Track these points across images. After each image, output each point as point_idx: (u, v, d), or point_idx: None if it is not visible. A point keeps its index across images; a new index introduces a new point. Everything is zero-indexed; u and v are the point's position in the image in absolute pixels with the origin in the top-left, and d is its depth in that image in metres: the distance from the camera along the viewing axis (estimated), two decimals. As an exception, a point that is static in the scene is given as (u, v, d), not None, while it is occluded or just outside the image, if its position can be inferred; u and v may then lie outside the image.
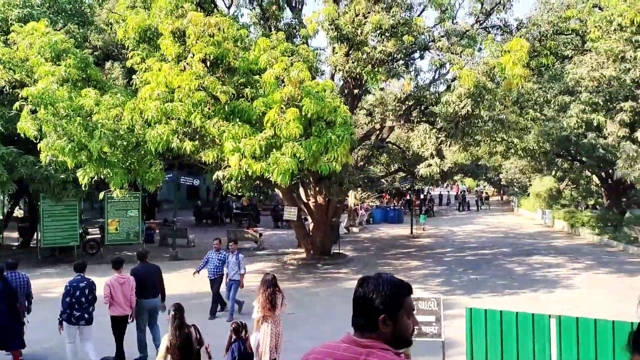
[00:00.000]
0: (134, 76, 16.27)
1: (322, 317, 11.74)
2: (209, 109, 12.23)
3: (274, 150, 11.87)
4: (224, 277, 12.35)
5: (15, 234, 23.20)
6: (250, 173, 12.72)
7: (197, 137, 13.95)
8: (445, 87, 16.01)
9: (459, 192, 56.40)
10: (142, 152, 14.12)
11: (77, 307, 8.35)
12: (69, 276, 16.47)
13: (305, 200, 19.77)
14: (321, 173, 12.55)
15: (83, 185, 13.86)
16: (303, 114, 11.93)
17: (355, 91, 17.38)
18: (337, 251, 20.41)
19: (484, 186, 66.61)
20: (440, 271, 17.29)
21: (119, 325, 8.99)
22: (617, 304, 12.71)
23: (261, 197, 44.43)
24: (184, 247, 21.67)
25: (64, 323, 8.42)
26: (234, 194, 47.78)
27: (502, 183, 58.50)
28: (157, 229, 25.64)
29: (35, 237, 20.77)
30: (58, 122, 12.79)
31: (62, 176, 17.02)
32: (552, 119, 19.14)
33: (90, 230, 21.03)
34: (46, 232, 18.11)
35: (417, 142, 14.92)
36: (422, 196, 47.90)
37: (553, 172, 34.58)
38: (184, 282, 15.55)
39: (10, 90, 16.59)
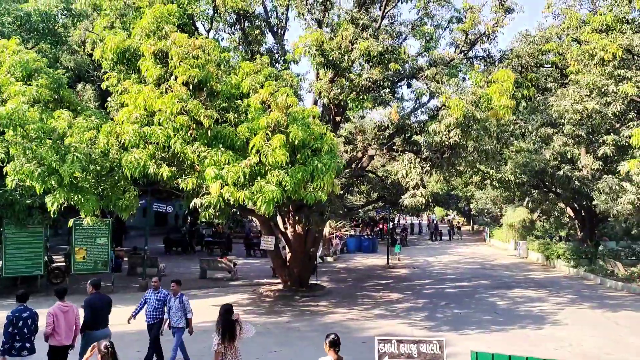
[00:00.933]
0: (109, 98, 15.66)
1: (308, 357, 11.10)
2: (191, 133, 11.69)
3: (258, 178, 11.37)
4: (164, 322, 10.58)
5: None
6: (231, 201, 12.17)
7: (176, 162, 13.37)
8: (427, 116, 15.86)
9: (430, 222, 56.50)
10: (116, 177, 13.46)
11: (18, 338, 8.16)
12: (35, 307, 15.48)
13: (283, 229, 19.20)
14: (306, 202, 12.07)
15: (52, 212, 13.04)
16: (290, 140, 11.52)
17: (337, 118, 17.09)
18: (315, 282, 19.81)
19: (454, 216, 67.12)
20: (422, 304, 16.86)
21: (57, 356, 8.69)
22: (610, 343, 12.46)
23: (231, 225, 43.63)
24: (154, 276, 20.68)
25: (6, 356, 8.13)
26: (205, 221, 46.86)
27: (472, 213, 59.06)
28: (125, 257, 24.57)
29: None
30: (27, 145, 12.04)
31: (27, 201, 16.13)
32: (535, 151, 19.18)
33: (55, 258, 19.93)
34: (8, 260, 17.00)
35: (402, 172, 14.62)
36: (391, 225, 47.78)
37: (525, 203, 34.91)
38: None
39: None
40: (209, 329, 13.37)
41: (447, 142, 13.35)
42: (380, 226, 46.90)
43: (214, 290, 19.15)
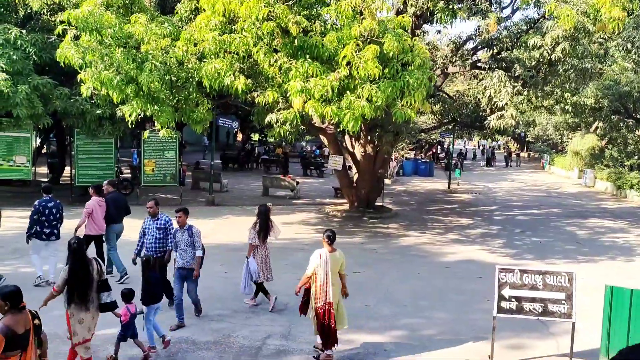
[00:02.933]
0: (178, 5, 14.91)
1: (393, 278, 10.81)
2: (277, 42, 10.90)
3: (347, 92, 10.63)
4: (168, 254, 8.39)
5: (45, 170, 22.35)
6: (314, 117, 11.57)
7: (253, 74, 12.72)
8: (522, 29, 14.41)
9: (487, 147, 54.81)
10: (190, 89, 12.97)
11: (47, 224, 9.36)
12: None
13: (351, 149, 18.63)
14: (395, 120, 11.33)
15: (129, 122, 12.77)
16: (383, 52, 10.61)
17: (417, 32, 15.87)
18: (381, 204, 19.42)
19: (505, 142, 64.79)
20: (497, 231, 16.29)
21: (91, 242, 9.81)
22: None
23: (285, 143, 43.40)
24: (217, 192, 20.76)
25: (34, 239, 9.35)
26: (262, 140, 46.71)
27: (527, 140, 56.85)
28: (187, 172, 24.69)
29: (66, 173, 19.93)
30: (105, 52, 11.58)
31: (98, 112, 15.90)
32: (633, 71, 17.53)
33: (123, 170, 20.11)
34: (80, 169, 17.16)
35: (489, 91, 13.56)
36: (441, 149, 46.62)
37: (593, 129, 33.03)
38: (223, 231, 14.66)
39: (48, 14, 15.29)
40: (288, 245, 13.32)
41: (547, 59, 12.14)
42: (434, 150, 45.83)
43: (279, 208, 19.01)
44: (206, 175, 22.18)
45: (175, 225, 8.03)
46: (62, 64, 12.09)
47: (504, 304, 6.66)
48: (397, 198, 22.95)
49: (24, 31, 14.57)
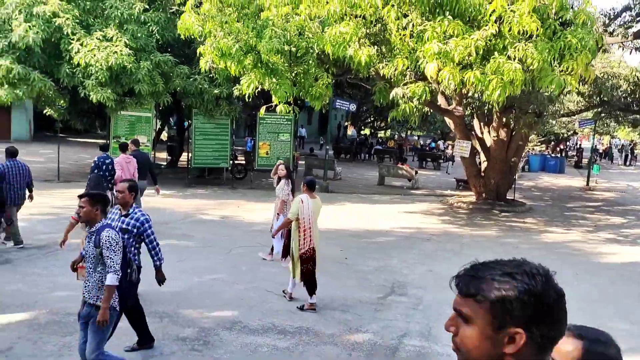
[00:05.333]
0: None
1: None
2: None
3: (495, 54, 9.02)
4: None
5: (164, 154, 22.77)
6: (452, 86, 10.05)
7: (379, 41, 11.48)
8: None
9: (625, 145, 49.25)
10: (310, 61, 12.00)
11: (109, 178, 10.11)
12: (219, 199, 15.20)
13: (480, 134, 16.76)
14: (550, 91, 9.53)
15: (246, 96, 12.08)
16: (538, 8, 8.87)
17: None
18: (512, 197, 17.33)
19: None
20: (661, 232, 13.69)
21: None
22: None
23: (395, 136, 41.78)
24: (331, 180, 19.78)
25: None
26: (372, 132, 45.45)
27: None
28: (299, 159, 24.03)
29: (184, 157, 20.03)
30: (225, 19, 10.93)
31: (215, 91, 15.51)
32: None
33: (238, 155, 19.81)
34: (197, 151, 16.95)
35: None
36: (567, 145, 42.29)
37: None
38: (340, 217, 13.54)
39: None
40: (414, 235, 11.95)
41: None
42: (562, 146, 41.86)
43: (398, 198, 17.66)
44: (320, 162, 21.34)
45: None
46: (182, 37, 11.67)
47: None
48: (527, 193, 20.58)
49: (148, 7, 14.45)
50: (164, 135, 28.98)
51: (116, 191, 5.33)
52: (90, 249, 4.33)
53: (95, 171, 10.02)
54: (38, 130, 29.48)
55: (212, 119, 16.67)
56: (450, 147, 30.41)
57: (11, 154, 8.91)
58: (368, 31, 10.98)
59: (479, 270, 1.27)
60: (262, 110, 13.17)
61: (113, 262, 4.26)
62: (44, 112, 16.59)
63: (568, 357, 1.60)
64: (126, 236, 5.00)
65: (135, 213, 5.21)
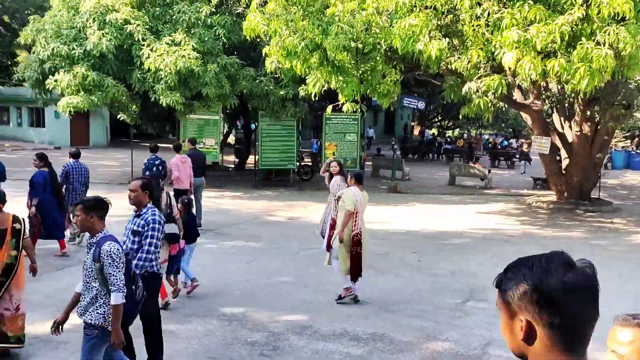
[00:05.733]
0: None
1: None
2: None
3: (582, 39, 8.29)
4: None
5: (232, 157, 23.04)
6: (533, 77, 9.35)
7: (451, 33, 10.92)
8: None
9: None
10: (377, 57, 11.61)
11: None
12: (286, 200, 15.08)
13: (560, 129, 15.72)
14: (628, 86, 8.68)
15: (312, 96, 11.89)
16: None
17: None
18: (597, 196, 16.14)
19: None
20: None
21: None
22: None
23: (464, 135, 40.44)
24: (399, 180, 19.25)
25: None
26: (439, 132, 44.33)
27: None
28: (367, 160, 23.62)
29: (251, 159, 20.14)
30: (290, 17, 10.75)
31: (281, 92, 15.42)
32: None
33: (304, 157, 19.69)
34: (264, 153, 16.94)
35: None
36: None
37: None
38: (411, 218, 13.02)
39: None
40: (490, 236, 11.28)
41: None
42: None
43: (470, 198, 16.89)
44: (387, 163, 20.86)
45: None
46: (248, 37, 11.60)
47: None
48: (612, 191, 19.15)
49: (215, 10, 14.57)
50: (231, 139, 29.45)
51: (129, 190, 4.78)
52: (88, 261, 3.90)
53: (147, 173, 10.18)
54: (114, 136, 30.77)
55: (278, 120, 16.62)
56: (523, 145, 29.02)
57: (74, 155, 9.20)
58: (439, 23, 10.45)
59: (512, 264, 1.35)
60: (329, 109, 12.89)
61: (116, 279, 3.77)
62: (118, 117, 17.12)
63: (630, 346, 1.65)
64: (137, 239, 4.58)
65: (147, 213, 4.65)
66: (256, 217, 12.40)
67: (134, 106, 15.45)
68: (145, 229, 4.58)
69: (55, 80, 13.74)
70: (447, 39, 10.64)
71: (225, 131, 21.50)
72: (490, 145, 33.32)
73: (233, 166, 21.79)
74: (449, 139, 36.40)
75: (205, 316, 6.11)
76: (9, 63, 31.92)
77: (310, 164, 20.66)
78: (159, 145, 11.78)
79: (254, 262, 8.59)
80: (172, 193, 6.84)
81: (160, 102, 13.82)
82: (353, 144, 17.25)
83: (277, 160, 17.17)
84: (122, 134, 30.24)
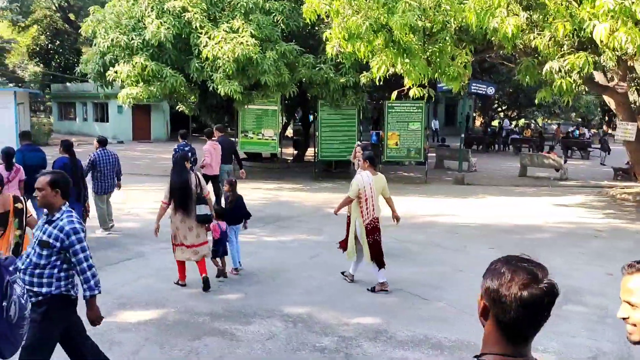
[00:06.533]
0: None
1: None
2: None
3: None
4: None
5: (290, 150, 22.64)
6: (629, 50, 8.30)
7: (530, 6, 9.96)
8: None
9: None
10: (447, 37, 10.74)
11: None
12: (345, 192, 14.56)
13: (648, 114, 14.25)
14: None
15: (377, 79, 11.15)
16: None
17: None
18: (690, 188, 14.59)
19: None
20: None
21: (210, 181, 10.29)
22: None
23: (532, 126, 38.39)
24: (465, 172, 18.21)
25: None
26: (499, 123, 42.42)
27: None
28: (430, 150, 22.62)
29: (310, 151, 19.62)
30: (352, -5, 10.05)
31: (342, 80, 14.76)
32: None
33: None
34: (323, 143, 16.36)
35: None
36: None
37: None
38: (483, 211, 12.07)
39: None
40: (575, 231, 10.24)
41: None
42: None
43: (545, 190, 15.69)
44: (452, 153, 19.85)
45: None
46: (308, 20, 10.95)
47: None
48: None
49: (272, -4, 14.07)
50: (289, 132, 29.09)
51: (35, 188, 3.60)
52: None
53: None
54: (174, 129, 31.05)
55: (338, 109, 15.99)
56: (596, 135, 27.14)
57: (102, 142, 9.08)
58: (518, -7, 9.52)
59: (492, 262, 1.66)
60: (394, 95, 12.12)
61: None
62: (177, 108, 16.99)
63: None
64: (45, 252, 3.49)
65: (62, 219, 3.54)
66: (317, 210, 11.83)
67: (193, 97, 15.22)
68: (66, 242, 3.48)
69: (115, 72, 13.65)
70: (526, 12, 9.70)
71: (284, 122, 21.06)
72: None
73: (291, 158, 21.37)
74: (516, 129, 34.64)
75: (267, 317, 5.57)
76: (75, 60, 32.82)
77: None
78: (185, 132, 11.75)
79: (317, 257, 8.01)
80: (200, 174, 6.73)
81: (218, 92, 13.47)
82: (417, 133, 16.36)
83: (337, 151, 16.54)
84: (182, 128, 30.55)
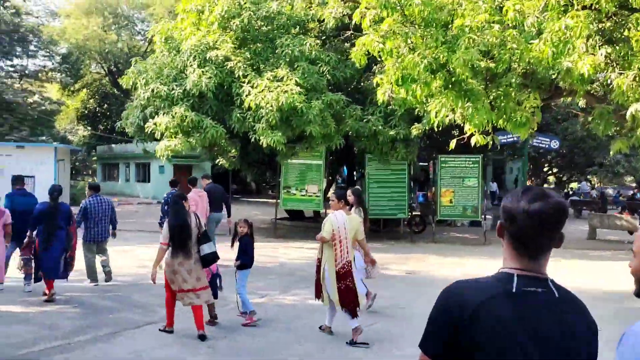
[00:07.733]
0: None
1: None
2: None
3: None
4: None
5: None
6: None
7: (613, 40, 8.86)
8: None
9: None
10: (513, 79, 9.70)
11: None
12: (395, 252, 13.18)
13: None
14: None
15: (435, 124, 10.09)
16: None
17: None
18: None
19: None
20: None
21: None
22: None
23: (595, 187, 36.20)
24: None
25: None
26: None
27: None
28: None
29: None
30: (410, 31, 9.18)
31: (391, 132, 13.76)
32: None
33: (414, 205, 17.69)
34: (372, 200, 15.18)
35: None
36: None
37: None
38: (565, 273, 10.51)
39: (342, 38, 14.08)
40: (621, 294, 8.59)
41: None
42: None
43: (623, 254, 13.92)
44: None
45: None
46: (357, 64, 10.10)
47: None
48: None
49: (319, 42, 13.46)
50: (331, 192, 28.06)
51: None
52: None
53: (166, 207, 10.02)
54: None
55: (387, 164, 14.91)
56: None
57: (93, 188, 8.88)
58: (599, 26, 8.45)
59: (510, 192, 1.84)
60: (452, 143, 10.96)
61: None
62: (217, 162, 16.28)
63: None
64: None
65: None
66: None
67: (233, 149, 14.47)
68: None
69: (154, 124, 13.08)
70: (605, 49, 8.55)
71: (328, 178, 20.08)
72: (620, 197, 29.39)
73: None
74: (572, 191, 32.74)
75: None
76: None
77: (420, 214, 18.57)
78: (174, 179, 11.68)
79: (375, 324, 6.69)
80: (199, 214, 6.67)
81: (261, 143, 12.64)
82: (473, 189, 15.02)
83: (387, 208, 15.32)
84: (224, 187, 30.04)
